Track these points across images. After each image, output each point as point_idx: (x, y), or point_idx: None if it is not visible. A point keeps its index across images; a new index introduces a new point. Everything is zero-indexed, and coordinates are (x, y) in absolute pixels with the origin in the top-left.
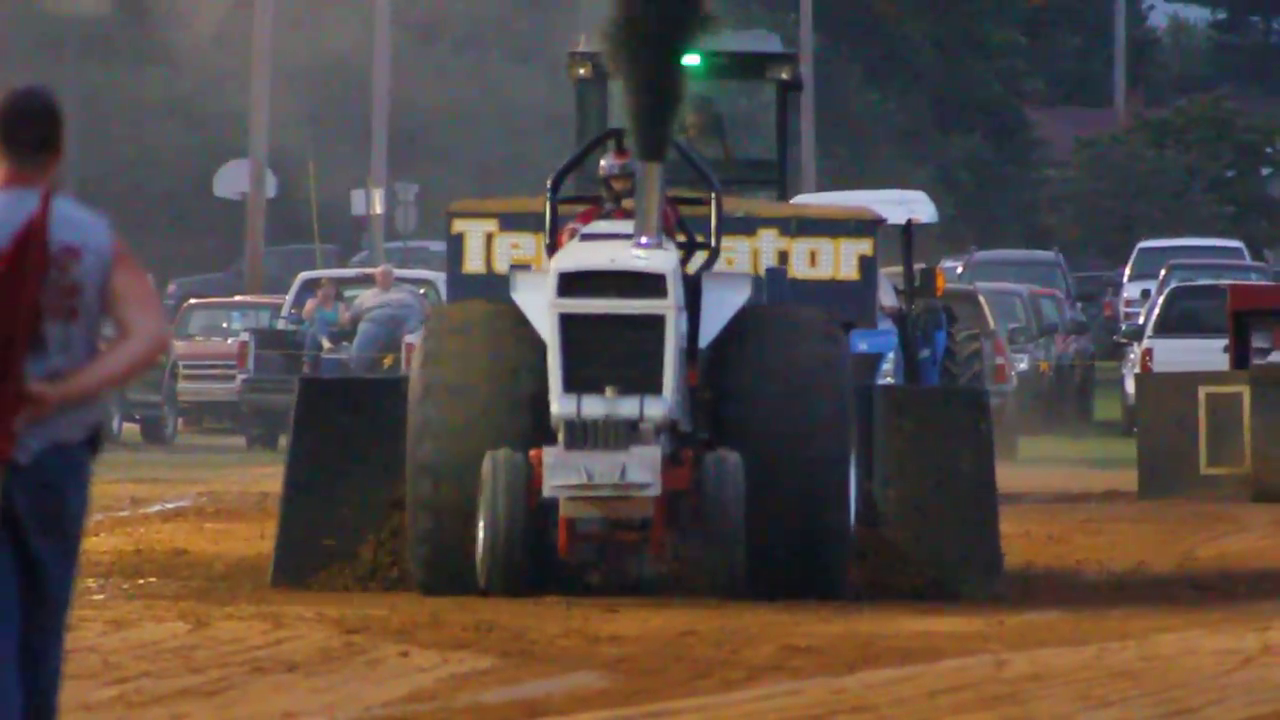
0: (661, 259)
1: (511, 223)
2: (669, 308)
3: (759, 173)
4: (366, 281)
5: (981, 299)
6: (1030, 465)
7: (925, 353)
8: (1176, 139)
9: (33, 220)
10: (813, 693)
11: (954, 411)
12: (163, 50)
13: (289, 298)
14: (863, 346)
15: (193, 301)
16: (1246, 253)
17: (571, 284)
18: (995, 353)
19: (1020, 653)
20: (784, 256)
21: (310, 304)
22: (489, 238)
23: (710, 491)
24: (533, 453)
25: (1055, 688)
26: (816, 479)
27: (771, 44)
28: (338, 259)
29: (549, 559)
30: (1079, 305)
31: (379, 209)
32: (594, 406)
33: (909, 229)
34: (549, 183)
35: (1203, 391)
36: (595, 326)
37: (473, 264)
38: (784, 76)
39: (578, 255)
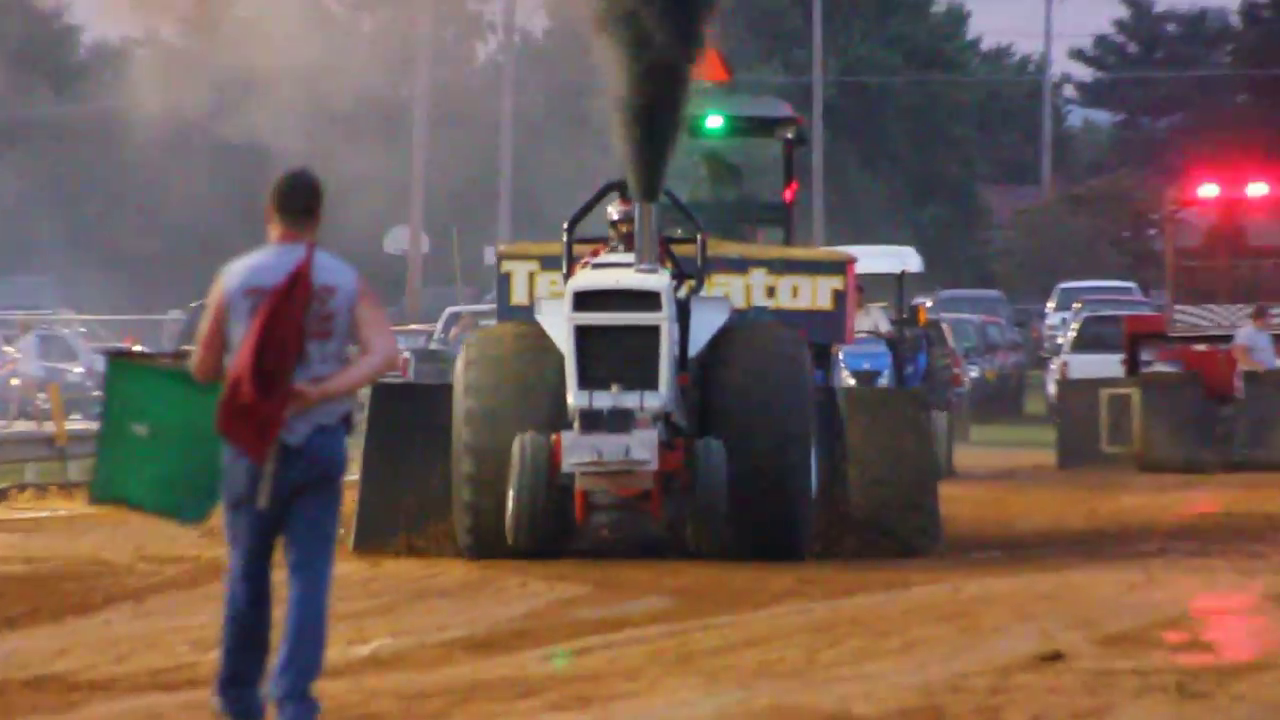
0: (656, 280)
1: (550, 263)
2: (663, 319)
3: (770, 213)
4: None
5: (945, 326)
6: (979, 447)
7: (910, 369)
8: (1088, 208)
9: (300, 267)
10: (820, 612)
11: (899, 407)
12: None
13: (439, 326)
14: (866, 365)
15: None
16: (1138, 291)
17: (584, 300)
18: (954, 365)
19: (971, 581)
20: (772, 290)
21: (454, 331)
22: (531, 275)
23: (700, 473)
24: (554, 436)
25: (996, 606)
26: (784, 452)
27: (780, 109)
28: (475, 297)
29: (569, 526)
30: (1015, 329)
31: None
32: (603, 399)
33: (903, 276)
34: (565, 224)
35: (1104, 392)
36: (604, 335)
37: (518, 297)
38: (789, 136)
39: (589, 277)
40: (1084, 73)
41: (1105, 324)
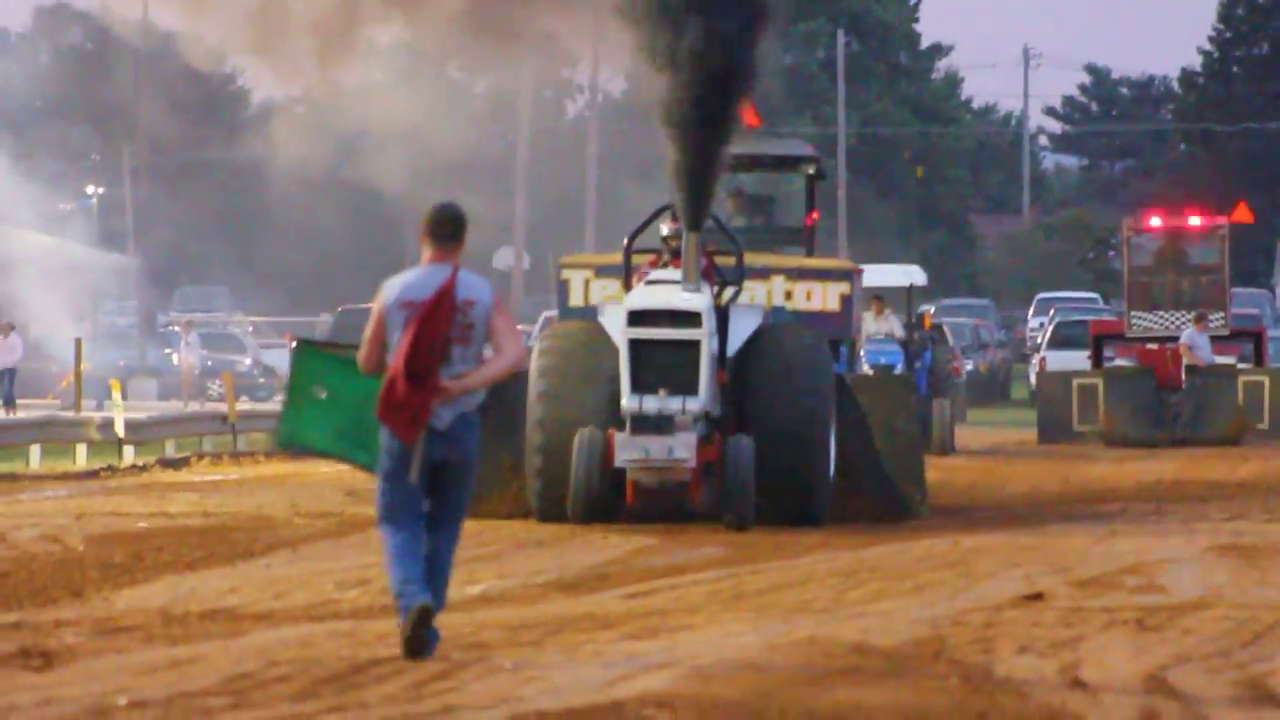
0: (698, 300)
1: (603, 271)
2: (704, 335)
3: (793, 236)
4: None
5: (945, 328)
6: (974, 426)
7: (919, 364)
8: (1059, 235)
9: (446, 284)
10: (845, 560)
11: (892, 391)
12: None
13: (537, 327)
14: (882, 360)
15: None
16: (1100, 300)
17: (637, 318)
18: (954, 360)
19: (968, 535)
20: (789, 295)
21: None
22: (587, 282)
23: (730, 466)
24: (610, 431)
25: (989, 556)
26: (808, 432)
27: (803, 149)
28: None
29: (621, 503)
30: (1002, 330)
31: None
32: (651, 403)
33: (911, 289)
34: (625, 240)
35: (1075, 381)
36: (653, 347)
37: (575, 299)
38: (810, 171)
39: (642, 298)
40: (1055, 126)
41: (1075, 327)
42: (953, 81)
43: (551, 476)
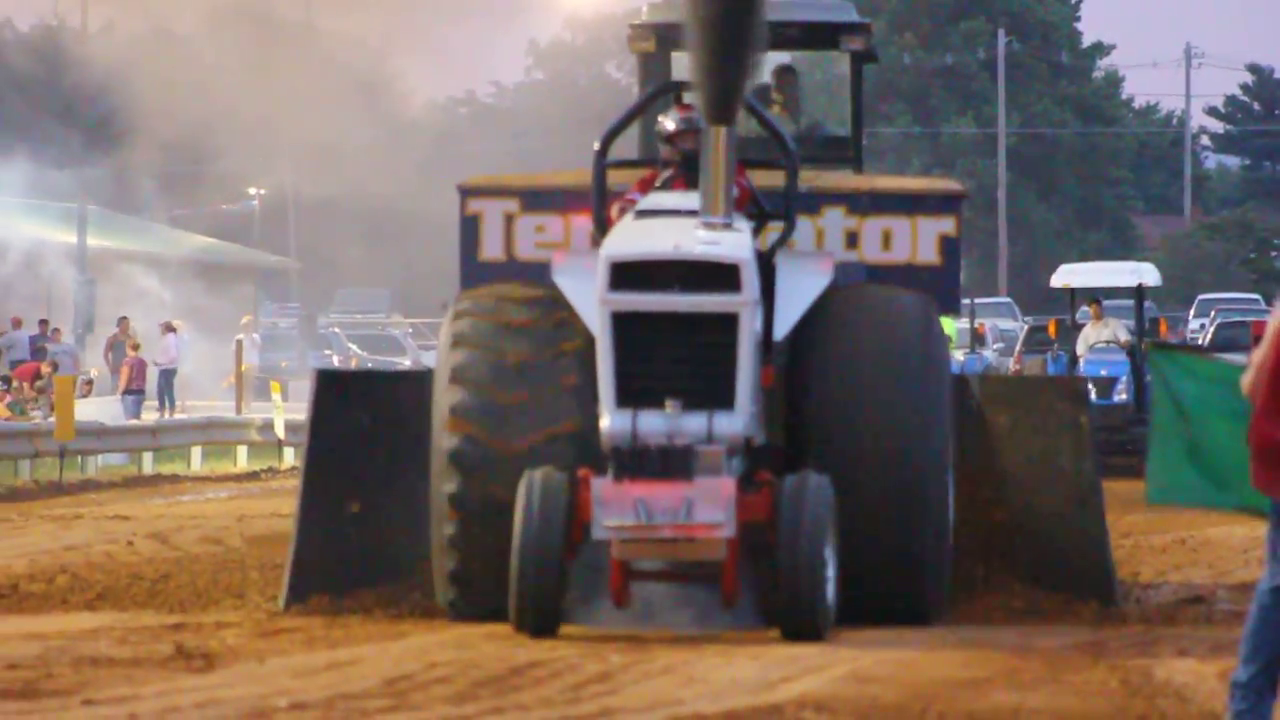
0: (734, 243)
1: (535, 201)
2: (744, 304)
3: (833, 150)
4: None
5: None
6: None
7: (1149, 378)
8: (1221, 235)
9: None
10: None
11: (1050, 401)
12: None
13: None
14: (1102, 372)
15: None
16: (1263, 301)
17: (626, 276)
18: None
19: (1126, 538)
20: (853, 238)
21: None
22: (509, 219)
23: (791, 531)
24: (583, 472)
25: (1147, 559)
26: (913, 503)
27: (845, 13)
28: None
29: (597, 594)
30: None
31: None
32: (653, 424)
33: (1141, 289)
34: (597, 144)
35: None
36: (655, 327)
37: (490, 250)
38: (858, 47)
39: (633, 239)
40: (1217, 126)
41: (1236, 328)
42: (1114, 81)
43: (473, 551)
